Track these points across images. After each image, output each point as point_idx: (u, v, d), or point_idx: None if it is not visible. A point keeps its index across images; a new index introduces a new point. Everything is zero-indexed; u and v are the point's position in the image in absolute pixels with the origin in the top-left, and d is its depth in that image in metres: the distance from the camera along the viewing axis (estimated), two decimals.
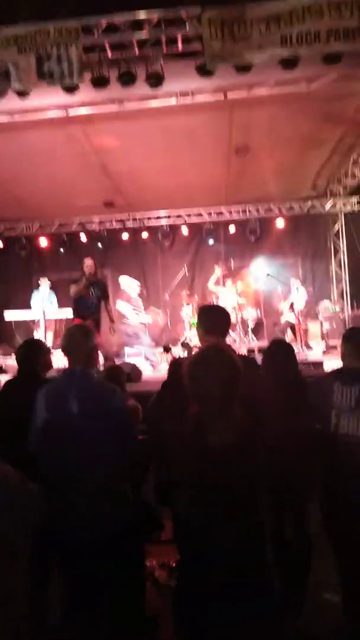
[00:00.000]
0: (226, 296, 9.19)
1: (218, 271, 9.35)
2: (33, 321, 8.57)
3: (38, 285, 9.30)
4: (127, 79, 5.42)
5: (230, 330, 8.71)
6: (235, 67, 5.11)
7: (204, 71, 5.24)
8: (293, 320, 8.49)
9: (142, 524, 2.43)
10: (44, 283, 9.11)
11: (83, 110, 6.36)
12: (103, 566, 2.28)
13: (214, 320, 2.62)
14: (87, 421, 2.16)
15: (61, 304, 8.87)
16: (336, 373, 2.58)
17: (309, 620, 2.69)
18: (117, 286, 10.48)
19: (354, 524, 2.32)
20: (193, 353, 2.28)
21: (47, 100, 6.00)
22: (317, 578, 2.83)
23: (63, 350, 2.42)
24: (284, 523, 2.97)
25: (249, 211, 10.84)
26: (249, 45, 4.68)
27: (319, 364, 6.52)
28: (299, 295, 8.50)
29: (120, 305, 8.08)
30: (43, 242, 11.06)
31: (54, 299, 9.03)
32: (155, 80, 5.43)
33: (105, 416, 2.19)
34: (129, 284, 8.31)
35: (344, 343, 2.66)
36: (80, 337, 2.38)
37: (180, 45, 5.31)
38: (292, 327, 8.52)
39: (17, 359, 2.92)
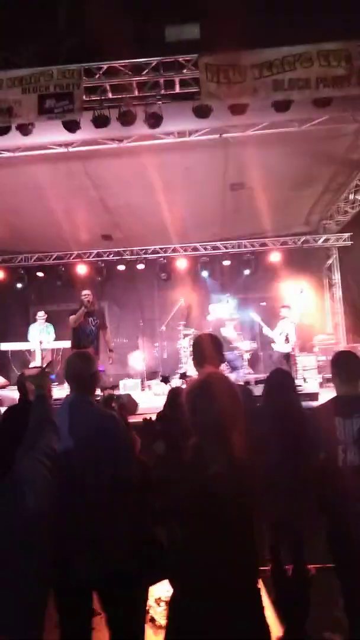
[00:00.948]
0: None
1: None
2: (30, 352, 8.55)
3: (35, 318, 9.33)
4: (127, 119, 5.66)
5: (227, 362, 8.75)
6: (230, 109, 5.37)
7: (201, 112, 5.48)
8: (287, 350, 8.52)
9: (147, 564, 2.35)
10: (41, 315, 9.16)
11: (84, 148, 6.58)
12: (103, 604, 2.21)
13: (208, 349, 2.64)
14: (84, 448, 2.13)
15: (58, 336, 8.88)
16: (334, 405, 2.57)
17: None
18: (114, 318, 10.52)
19: None
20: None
21: (49, 138, 6.22)
22: (316, 615, 2.74)
23: (65, 377, 2.42)
24: (282, 558, 2.90)
25: (244, 246, 11.05)
26: (244, 88, 4.93)
27: (314, 396, 6.51)
28: (293, 327, 8.57)
29: (228, 331, 8.15)
30: (41, 274, 11.17)
31: (52, 330, 9.05)
32: (155, 120, 5.67)
33: (103, 443, 2.16)
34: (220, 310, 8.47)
35: (332, 367, 2.68)
36: (79, 364, 2.37)
37: (177, 87, 5.58)
38: (287, 358, 8.53)
39: (18, 387, 2.91)
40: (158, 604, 3.01)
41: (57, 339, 8.77)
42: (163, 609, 2.91)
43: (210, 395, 1.72)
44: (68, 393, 2.42)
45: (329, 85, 4.69)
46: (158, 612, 2.94)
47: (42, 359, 7.74)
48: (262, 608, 1.69)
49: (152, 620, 2.90)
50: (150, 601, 3.00)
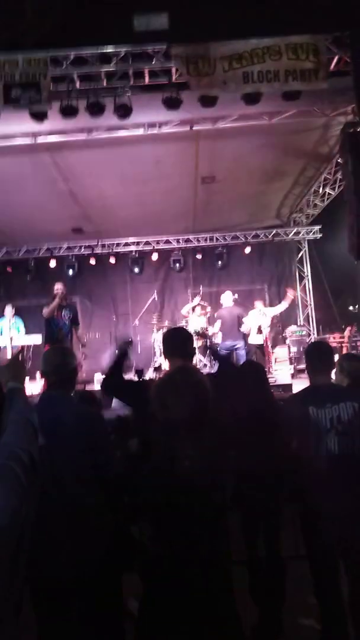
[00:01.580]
0: (195, 322, 9.25)
1: (196, 301, 9.44)
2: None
3: (3, 313, 9.08)
4: (96, 110, 5.55)
5: (200, 355, 8.77)
6: (200, 101, 5.33)
7: (171, 104, 5.43)
8: (260, 342, 8.62)
9: (122, 554, 2.34)
10: (10, 310, 8.93)
11: (52, 139, 6.43)
12: (78, 601, 2.18)
13: (177, 342, 2.62)
14: (64, 446, 2.08)
15: (28, 331, 8.69)
16: (306, 395, 2.60)
17: None
18: (86, 313, 10.38)
19: (336, 542, 2.32)
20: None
21: (15, 129, 6.05)
22: (291, 602, 2.79)
23: (41, 374, 2.36)
24: (257, 547, 2.94)
25: (216, 239, 11.09)
26: (213, 80, 4.90)
27: (287, 387, 6.62)
28: (267, 319, 8.68)
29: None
30: (9, 268, 10.92)
31: (21, 325, 8.85)
32: (124, 111, 5.58)
33: (84, 441, 2.12)
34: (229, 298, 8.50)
35: (306, 357, 2.73)
36: (58, 359, 2.30)
37: (147, 78, 5.51)
38: (261, 350, 8.64)
39: None
40: (136, 599, 3.00)
41: (27, 334, 8.58)
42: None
43: (177, 389, 1.70)
44: (43, 389, 2.36)
45: (297, 79, 4.71)
46: (134, 607, 2.92)
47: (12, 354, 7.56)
48: (233, 601, 1.70)
49: (129, 614, 2.88)
50: (128, 596, 2.99)
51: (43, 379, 2.38)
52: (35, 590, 2.15)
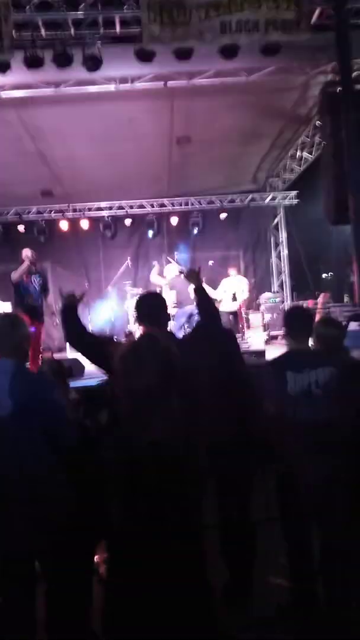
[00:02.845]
0: (168, 290, 9.11)
1: (157, 265, 9.26)
2: None
3: None
4: (63, 61, 5.22)
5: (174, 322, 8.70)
6: (175, 54, 5.06)
7: (144, 56, 5.13)
8: (234, 309, 8.59)
9: (92, 522, 2.31)
10: None
11: (17, 93, 6.02)
12: (44, 572, 2.17)
13: (149, 308, 2.53)
14: (17, 416, 2.00)
15: None
16: (284, 360, 2.57)
17: (257, 604, 2.71)
18: (58, 279, 10.11)
19: (310, 503, 2.35)
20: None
21: None
22: (261, 562, 2.85)
23: None
24: (229, 512, 2.96)
25: (191, 203, 10.85)
26: (189, 30, 4.63)
27: (261, 353, 6.64)
28: (241, 285, 8.62)
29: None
30: None
31: None
32: (93, 63, 5.25)
33: (38, 410, 2.04)
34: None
35: (284, 322, 2.70)
36: (7, 327, 2.19)
37: (118, 27, 5.17)
38: (235, 316, 8.62)
39: None
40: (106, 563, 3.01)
41: None
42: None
43: (140, 357, 1.60)
44: None
45: (278, 28, 4.48)
46: (105, 570, 2.93)
47: None
48: (202, 566, 1.68)
49: (102, 580, 2.89)
50: (100, 561, 2.99)
51: None
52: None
